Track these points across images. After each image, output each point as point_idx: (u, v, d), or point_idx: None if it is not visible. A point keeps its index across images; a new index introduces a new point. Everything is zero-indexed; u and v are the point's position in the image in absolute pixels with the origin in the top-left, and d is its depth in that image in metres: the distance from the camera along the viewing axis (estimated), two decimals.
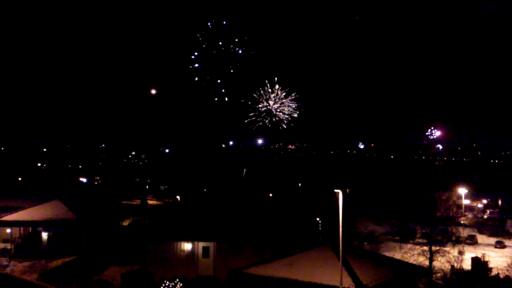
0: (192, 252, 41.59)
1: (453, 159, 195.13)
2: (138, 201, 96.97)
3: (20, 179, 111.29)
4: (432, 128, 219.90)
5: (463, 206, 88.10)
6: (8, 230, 49.16)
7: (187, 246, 41.60)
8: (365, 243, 59.69)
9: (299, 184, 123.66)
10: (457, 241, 58.28)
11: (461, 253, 50.31)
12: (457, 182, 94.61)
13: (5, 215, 48.56)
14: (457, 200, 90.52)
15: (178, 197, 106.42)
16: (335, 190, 27.18)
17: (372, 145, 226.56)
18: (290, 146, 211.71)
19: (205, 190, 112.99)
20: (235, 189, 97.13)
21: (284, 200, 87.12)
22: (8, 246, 48.11)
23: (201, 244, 41.71)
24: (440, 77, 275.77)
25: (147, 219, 65.65)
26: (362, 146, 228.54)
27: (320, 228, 65.68)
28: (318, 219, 66.81)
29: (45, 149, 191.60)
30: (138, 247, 46.25)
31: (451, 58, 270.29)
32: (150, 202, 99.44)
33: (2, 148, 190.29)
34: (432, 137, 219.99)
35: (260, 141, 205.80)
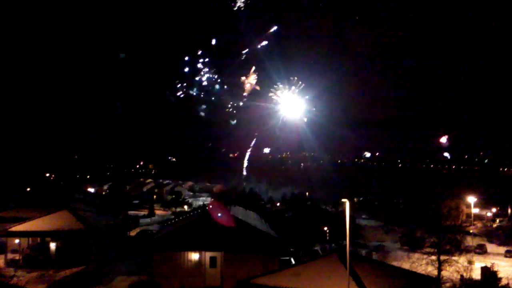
0: (199, 262, 41.55)
1: (461, 167, 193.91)
2: (145, 211, 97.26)
3: (28, 189, 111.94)
4: (439, 136, 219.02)
5: (472, 215, 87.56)
6: (17, 241, 49.36)
7: (194, 256, 41.57)
8: (373, 252, 59.43)
9: (307, 193, 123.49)
10: (466, 250, 57.64)
11: (470, 262, 49.78)
12: (465, 191, 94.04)
13: (13, 226, 48.82)
14: (466, 208, 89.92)
15: (185, 206, 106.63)
16: (342, 200, 27.12)
17: (377, 154, 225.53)
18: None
19: (212, 199, 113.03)
20: (242, 198, 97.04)
21: (291, 210, 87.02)
22: (17, 256, 48.34)
23: (208, 254, 41.68)
24: (447, 82, 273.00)
25: (155, 229, 65.78)
26: (368, 155, 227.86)
27: (327, 238, 65.52)
28: (326, 228, 66.69)
29: (53, 160, 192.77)
30: (145, 257, 46.37)
31: (460, 62, 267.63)
32: (157, 211, 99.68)
33: (11, 159, 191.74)
34: (440, 145, 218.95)
35: (267, 150, 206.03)
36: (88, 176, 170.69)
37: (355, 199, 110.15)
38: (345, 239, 28.32)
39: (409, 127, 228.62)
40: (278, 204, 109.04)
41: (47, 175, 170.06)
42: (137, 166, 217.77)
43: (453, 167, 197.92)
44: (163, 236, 44.22)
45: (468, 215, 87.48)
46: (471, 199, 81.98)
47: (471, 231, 76.51)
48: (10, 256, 48.44)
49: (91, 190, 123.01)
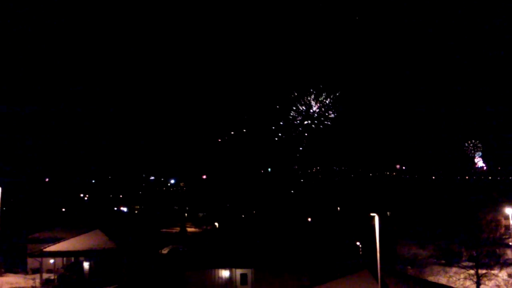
0: (230, 280, 41.33)
1: (497, 177, 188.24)
2: (177, 229, 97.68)
3: (63, 210, 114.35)
4: (471, 144, 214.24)
5: (511, 226, 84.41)
6: (52, 261, 50.24)
7: (224, 274, 41.40)
8: (408, 267, 57.77)
9: (338, 208, 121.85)
10: (506, 263, 55.56)
11: (510, 276, 47.99)
12: (502, 202, 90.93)
13: (48, 246, 49.71)
14: (504, 220, 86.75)
15: (216, 224, 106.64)
16: (371, 214, 26.61)
17: (404, 167, 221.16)
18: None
19: (243, 216, 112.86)
20: (273, 214, 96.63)
21: (323, 224, 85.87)
22: (52, 276, 49.11)
23: (238, 271, 41.46)
24: (479, 90, 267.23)
25: (186, 247, 65.91)
26: (397, 167, 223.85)
27: (360, 252, 64.22)
28: (358, 243, 65.44)
29: (86, 180, 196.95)
30: (177, 275, 46.40)
31: (490, 67, 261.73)
32: (189, 229, 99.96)
33: (46, 180, 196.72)
34: (472, 154, 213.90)
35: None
36: (120, 196, 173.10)
37: (388, 213, 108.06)
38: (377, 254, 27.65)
39: (442, 137, 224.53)
40: (309, 219, 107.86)
41: (81, 195, 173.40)
42: (168, 184, 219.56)
43: (489, 177, 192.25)
44: (195, 254, 44.28)
45: (507, 227, 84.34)
46: (509, 210, 79.02)
47: (510, 244, 73.65)
48: (45, 276, 49.27)
49: (124, 209, 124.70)
